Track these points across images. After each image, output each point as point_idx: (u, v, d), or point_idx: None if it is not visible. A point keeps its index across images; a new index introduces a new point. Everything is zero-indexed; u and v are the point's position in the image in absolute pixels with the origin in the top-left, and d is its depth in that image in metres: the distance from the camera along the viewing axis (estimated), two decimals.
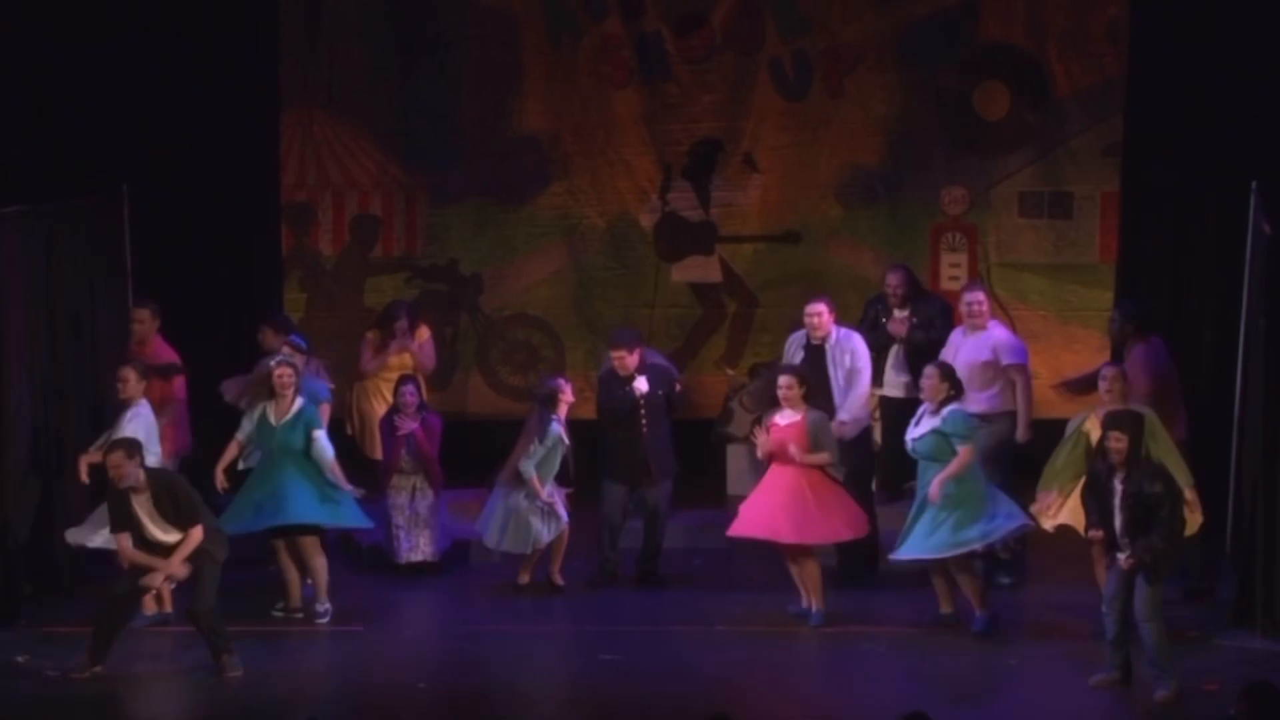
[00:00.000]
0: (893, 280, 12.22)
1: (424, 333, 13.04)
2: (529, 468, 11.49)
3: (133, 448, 10.04)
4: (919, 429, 10.77)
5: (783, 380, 10.98)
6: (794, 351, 11.69)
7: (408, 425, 11.96)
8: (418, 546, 12.05)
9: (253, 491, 11.15)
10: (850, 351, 11.59)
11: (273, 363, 11.28)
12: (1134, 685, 9.82)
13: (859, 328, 12.11)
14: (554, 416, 11.55)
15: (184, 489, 10.12)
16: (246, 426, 11.23)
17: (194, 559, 10.05)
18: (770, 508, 10.92)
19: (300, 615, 11.21)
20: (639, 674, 10.27)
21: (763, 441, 10.97)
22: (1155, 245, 13.12)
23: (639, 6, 14.05)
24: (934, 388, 10.78)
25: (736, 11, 14.03)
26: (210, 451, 11.44)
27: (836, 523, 10.97)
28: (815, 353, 11.60)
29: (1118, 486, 9.74)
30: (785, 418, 10.96)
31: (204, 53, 13.33)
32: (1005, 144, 13.81)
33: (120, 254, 12.54)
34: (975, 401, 11.40)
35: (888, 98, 13.88)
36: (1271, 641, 10.49)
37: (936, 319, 12.16)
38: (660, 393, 11.78)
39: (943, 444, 10.68)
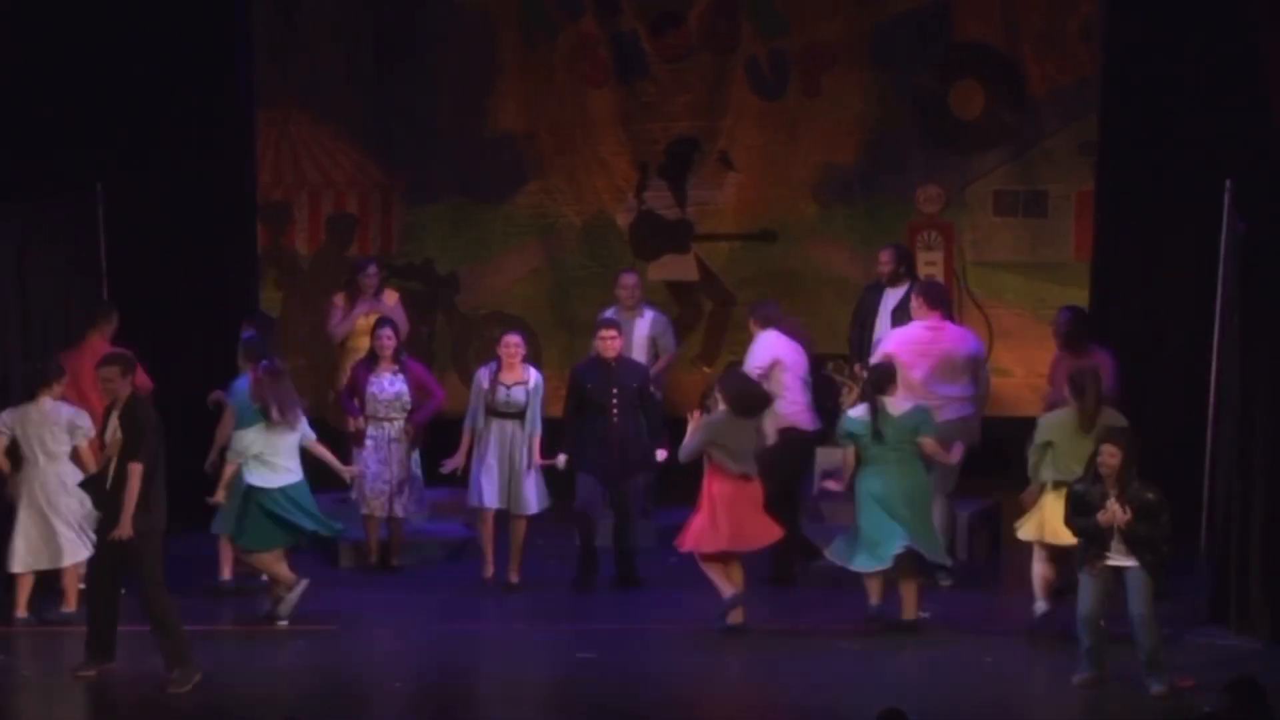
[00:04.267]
0: (885, 256, 12.33)
1: (392, 296, 13.02)
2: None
3: (126, 362, 10.02)
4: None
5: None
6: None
7: (388, 389, 12.02)
8: (397, 500, 12.08)
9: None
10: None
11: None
12: (1112, 683, 9.80)
13: (854, 323, 12.39)
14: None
15: (151, 421, 9.93)
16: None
17: (135, 542, 9.79)
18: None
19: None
20: (616, 673, 10.24)
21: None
22: (1130, 243, 13.07)
23: (615, 5, 14.04)
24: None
25: (713, 11, 14.02)
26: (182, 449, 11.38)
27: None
28: None
29: (1111, 507, 9.62)
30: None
31: (178, 51, 13.27)
32: (981, 143, 13.83)
33: (94, 254, 12.49)
34: (958, 398, 11.58)
35: (864, 97, 13.88)
36: (1245, 639, 10.50)
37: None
38: (634, 385, 11.81)
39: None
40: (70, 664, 10.07)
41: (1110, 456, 9.60)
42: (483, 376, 11.88)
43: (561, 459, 11.81)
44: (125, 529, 9.77)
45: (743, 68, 13.97)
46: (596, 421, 11.71)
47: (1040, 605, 10.68)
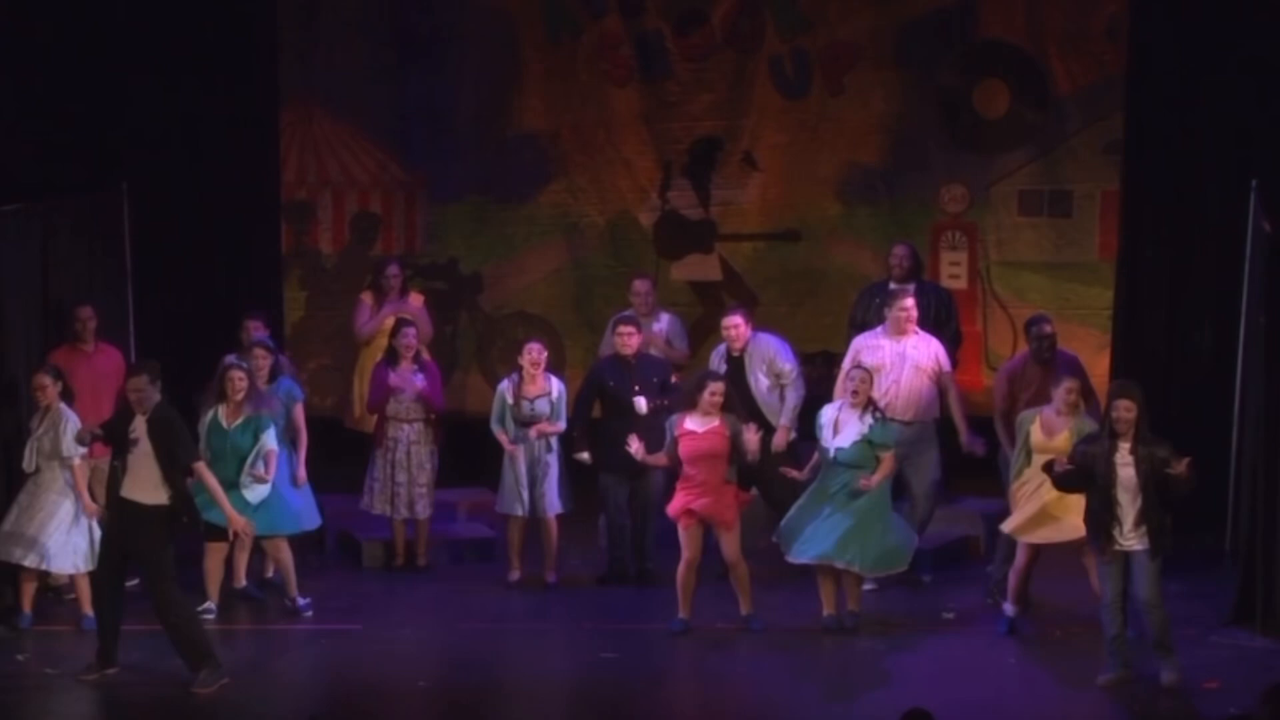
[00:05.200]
0: (900, 252, 12.35)
1: (418, 299, 13.04)
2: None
3: (155, 371, 9.99)
4: (844, 437, 10.81)
5: (715, 386, 10.93)
6: (718, 364, 11.88)
7: (412, 384, 11.95)
8: (414, 503, 12.04)
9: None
10: (768, 359, 11.81)
11: (226, 364, 11.18)
12: (1138, 682, 9.81)
13: (851, 323, 12.31)
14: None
15: (183, 427, 10.01)
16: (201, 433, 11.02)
17: (152, 537, 9.83)
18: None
19: (212, 615, 11.03)
20: (640, 672, 10.24)
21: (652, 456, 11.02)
22: (1155, 243, 13.02)
23: (638, 4, 13.96)
24: (867, 392, 10.92)
25: (736, 10, 13.93)
26: None
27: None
28: (734, 364, 11.83)
29: (1122, 462, 9.67)
30: (701, 424, 10.89)
31: (202, 50, 13.31)
32: (1005, 142, 13.71)
33: (120, 252, 12.51)
34: (926, 408, 11.63)
35: (887, 96, 13.78)
36: (1271, 640, 10.46)
37: (942, 310, 12.28)
38: (655, 381, 11.81)
39: (868, 452, 10.81)
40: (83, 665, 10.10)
41: (1126, 411, 9.66)
42: (506, 390, 11.83)
43: (585, 456, 11.80)
44: (239, 523, 10.14)
45: (766, 67, 13.89)
46: (619, 420, 11.68)
47: (1009, 608, 10.76)
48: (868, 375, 11.01)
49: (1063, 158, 13.64)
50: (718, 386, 10.92)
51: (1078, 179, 13.64)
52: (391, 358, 12.17)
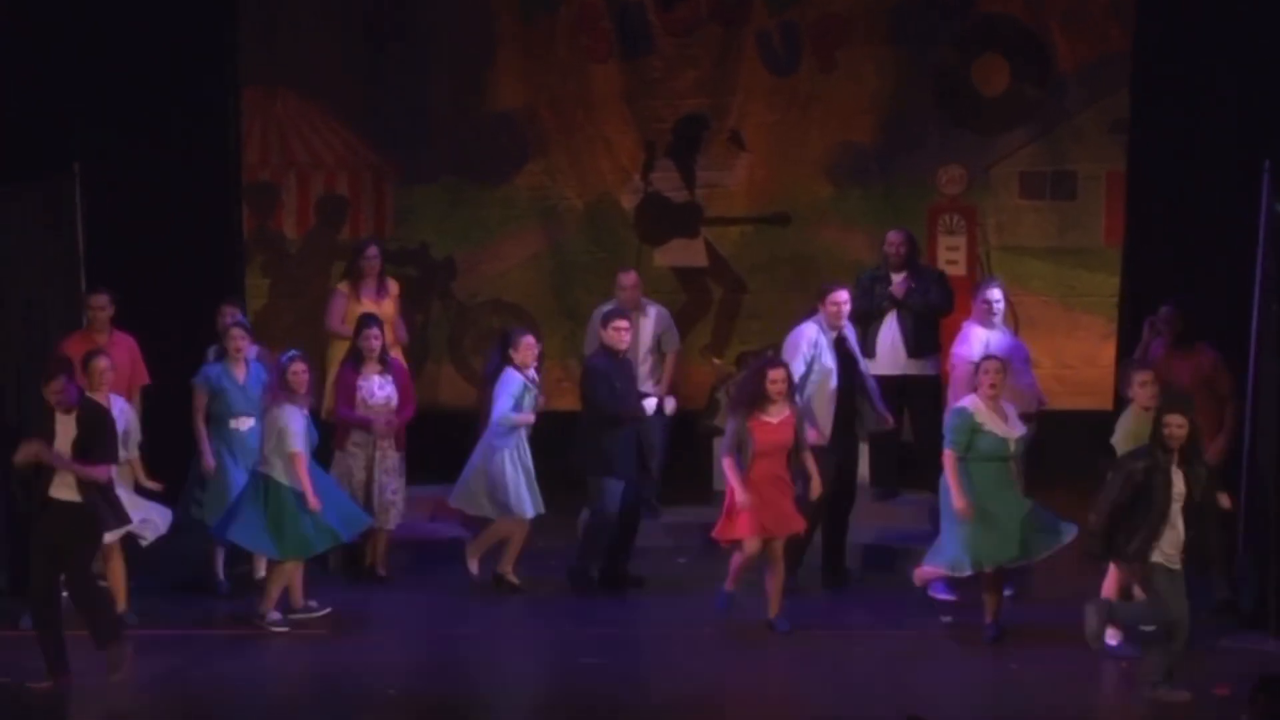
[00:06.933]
0: (895, 238, 12.33)
1: (394, 286, 12.75)
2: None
3: (68, 369, 9.99)
4: (1014, 424, 10.57)
5: (776, 374, 10.75)
6: (818, 341, 11.49)
7: (378, 393, 11.69)
8: (383, 512, 11.75)
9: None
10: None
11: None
12: (1152, 689, 9.58)
13: (853, 314, 12.04)
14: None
15: (112, 428, 9.96)
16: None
17: (80, 537, 9.79)
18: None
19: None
20: (620, 678, 10.09)
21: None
22: (1163, 227, 12.96)
23: None
24: (1003, 383, 10.66)
25: None
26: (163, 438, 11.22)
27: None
28: (840, 343, 11.58)
29: (1177, 478, 9.45)
30: (775, 414, 10.73)
31: (160, 25, 13.07)
32: (1005, 121, 13.65)
33: (72, 237, 12.15)
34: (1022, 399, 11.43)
35: (881, 72, 13.70)
36: None
37: (932, 286, 12.22)
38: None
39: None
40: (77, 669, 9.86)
41: (1178, 428, 9.48)
42: (520, 377, 11.53)
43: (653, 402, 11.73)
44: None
45: (754, 42, 13.79)
46: (627, 422, 11.51)
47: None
48: (999, 366, 10.66)
49: (1065, 137, 13.61)
50: (778, 373, 10.74)
51: (1082, 160, 13.61)
52: (356, 358, 11.84)
